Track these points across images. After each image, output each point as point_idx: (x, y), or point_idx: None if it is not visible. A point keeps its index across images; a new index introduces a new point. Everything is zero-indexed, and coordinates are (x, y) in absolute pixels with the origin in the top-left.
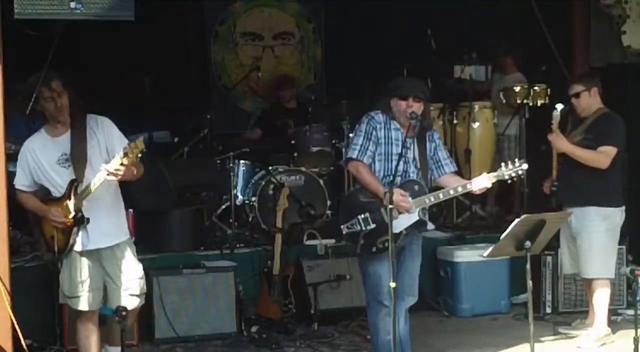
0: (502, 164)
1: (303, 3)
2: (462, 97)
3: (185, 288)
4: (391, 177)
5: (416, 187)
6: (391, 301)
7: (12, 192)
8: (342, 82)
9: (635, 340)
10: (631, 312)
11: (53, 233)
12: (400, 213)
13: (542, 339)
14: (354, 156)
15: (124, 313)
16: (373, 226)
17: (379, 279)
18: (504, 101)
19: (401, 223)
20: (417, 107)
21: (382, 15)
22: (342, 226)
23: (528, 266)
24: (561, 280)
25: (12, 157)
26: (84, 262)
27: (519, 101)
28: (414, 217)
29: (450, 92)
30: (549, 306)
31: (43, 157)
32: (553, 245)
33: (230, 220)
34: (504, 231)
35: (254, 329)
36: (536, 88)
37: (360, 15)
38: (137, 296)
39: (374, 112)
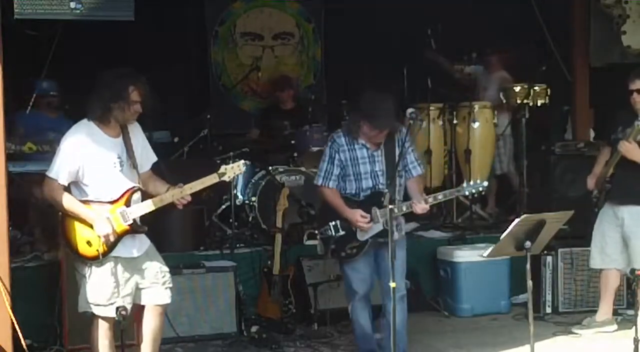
0: (465, 180)
1: (303, 3)
2: (462, 97)
3: (185, 288)
4: (367, 192)
5: (383, 199)
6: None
7: (11, 192)
8: (342, 82)
9: (635, 340)
10: (631, 312)
11: (90, 237)
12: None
13: (544, 339)
14: (319, 183)
15: (123, 313)
16: (342, 232)
17: (353, 269)
18: (504, 101)
19: (367, 233)
20: (383, 136)
21: (382, 15)
22: (316, 231)
23: (528, 266)
24: (561, 280)
25: (12, 157)
26: (120, 268)
27: (519, 101)
28: (378, 228)
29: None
30: (549, 306)
31: (99, 156)
32: (553, 245)
33: (230, 220)
34: (504, 231)
35: (254, 329)
36: (536, 88)
37: (360, 15)
38: (170, 288)
39: (336, 134)
